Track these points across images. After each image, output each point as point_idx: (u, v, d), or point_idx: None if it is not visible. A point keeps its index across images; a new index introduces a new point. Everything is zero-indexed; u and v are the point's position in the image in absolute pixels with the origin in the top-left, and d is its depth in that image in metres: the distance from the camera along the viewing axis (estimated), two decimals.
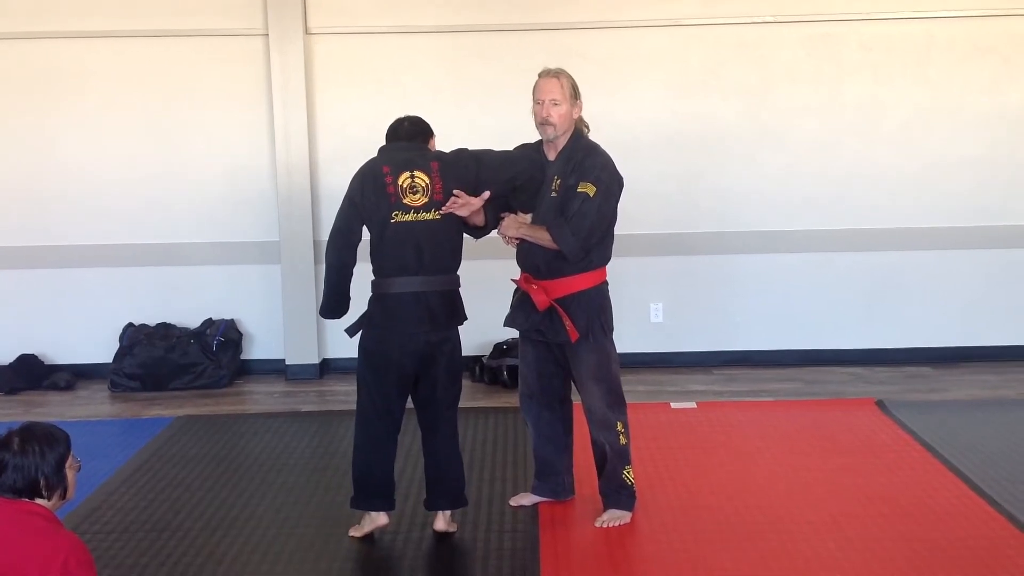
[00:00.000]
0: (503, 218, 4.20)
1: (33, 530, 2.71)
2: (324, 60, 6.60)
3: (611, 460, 4.26)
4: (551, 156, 4.18)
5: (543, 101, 4.08)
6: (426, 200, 3.94)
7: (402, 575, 3.92)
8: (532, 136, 4.30)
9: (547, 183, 4.15)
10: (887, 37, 6.58)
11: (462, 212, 3.98)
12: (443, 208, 3.94)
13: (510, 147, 4.31)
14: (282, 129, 6.54)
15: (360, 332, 4.11)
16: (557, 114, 4.07)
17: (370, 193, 3.94)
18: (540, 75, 4.15)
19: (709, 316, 6.82)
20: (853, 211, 6.72)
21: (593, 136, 4.26)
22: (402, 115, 4.15)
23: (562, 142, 4.15)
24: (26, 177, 6.67)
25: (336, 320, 4.21)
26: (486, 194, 4.00)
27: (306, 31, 6.53)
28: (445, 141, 4.20)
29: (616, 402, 4.26)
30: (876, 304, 6.80)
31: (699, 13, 6.55)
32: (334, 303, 4.11)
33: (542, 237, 4.10)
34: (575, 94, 4.13)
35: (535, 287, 4.15)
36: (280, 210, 6.63)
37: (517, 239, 4.19)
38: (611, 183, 4.11)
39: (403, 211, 3.92)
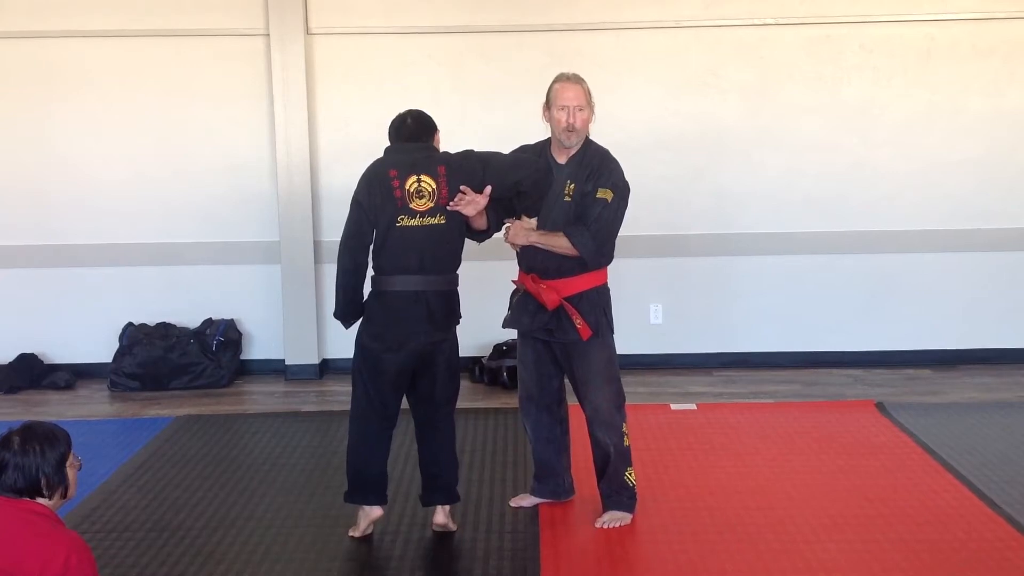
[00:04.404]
0: (509, 224, 4.20)
1: (34, 529, 2.70)
2: (325, 60, 6.60)
3: (614, 462, 4.25)
4: (560, 160, 4.18)
5: (569, 108, 4.07)
6: (432, 205, 3.94)
7: (402, 575, 3.92)
8: (534, 136, 4.30)
9: (557, 187, 4.15)
10: (887, 39, 6.59)
11: (468, 210, 3.97)
12: (450, 205, 3.94)
13: (510, 147, 4.31)
14: (283, 129, 6.54)
15: (356, 326, 4.11)
16: (582, 120, 4.08)
17: (376, 196, 3.93)
18: (559, 80, 4.14)
19: (708, 317, 6.83)
20: (853, 213, 6.72)
21: (593, 137, 4.26)
22: (404, 110, 4.13)
23: (575, 147, 4.16)
24: (26, 176, 6.67)
25: (336, 319, 4.20)
26: (488, 189, 3.99)
27: (307, 31, 6.53)
28: (446, 142, 4.20)
29: (622, 403, 4.27)
30: (875, 306, 6.80)
31: (699, 15, 6.55)
32: (351, 307, 4.09)
33: (556, 243, 4.10)
34: (591, 99, 4.14)
35: (544, 286, 4.15)
36: (280, 210, 6.63)
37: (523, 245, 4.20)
38: (624, 189, 4.14)
39: (409, 215, 3.93)
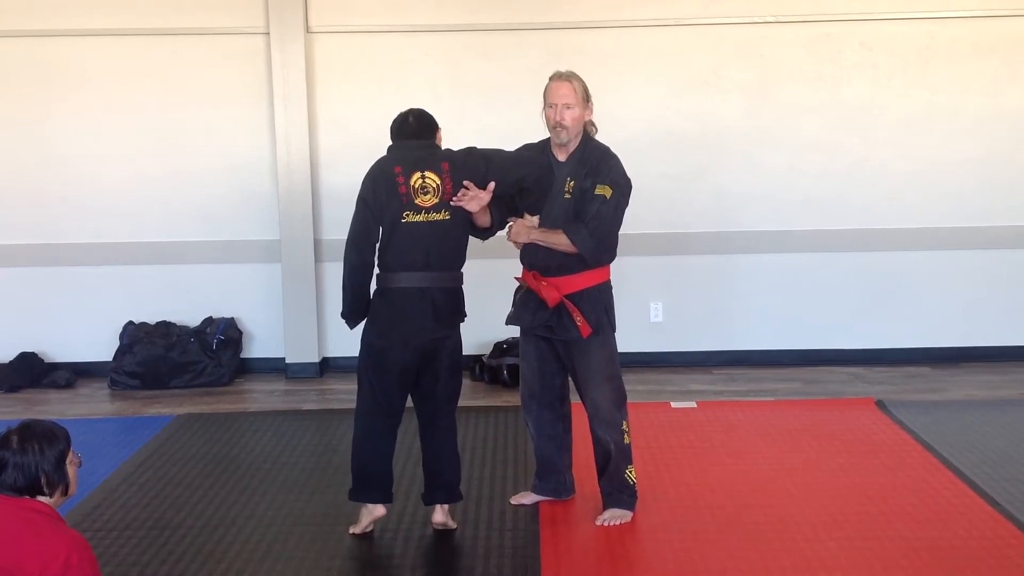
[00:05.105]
0: (511, 222, 4.20)
1: (35, 528, 2.70)
2: (325, 59, 6.60)
3: (615, 459, 4.26)
4: (561, 158, 4.19)
5: (556, 105, 4.08)
6: (436, 201, 3.95)
7: (403, 573, 3.91)
8: (533, 135, 4.30)
9: (557, 185, 4.15)
10: (888, 37, 6.59)
11: (471, 206, 3.98)
12: (453, 201, 3.95)
13: (511, 146, 4.31)
14: (283, 127, 6.55)
15: (361, 325, 4.11)
16: (570, 118, 4.08)
17: (382, 193, 3.95)
18: (552, 78, 4.15)
19: (709, 316, 6.83)
20: (853, 211, 6.72)
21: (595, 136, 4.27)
22: (405, 109, 4.13)
23: (573, 144, 4.16)
24: (27, 175, 6.67)
25: (342, 319, 4.19)
26: (491, 185, 4.00)
27: (307, 29, 6.53)
28: (446, 140, 4.20)
29: (622, 401, 4.27)
30: (875, 304, 6.80)
31: (700, 13, 6.55)
32: (358, 305, 4.09)
33: (556, 241, 4.10)
34: (587, 97, 4.14)
35: (545, 284, 4.15)
36: (281, 209, 6.63)
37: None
38: (624, 186, 4.14)
39: (414, 211, 3.94)
